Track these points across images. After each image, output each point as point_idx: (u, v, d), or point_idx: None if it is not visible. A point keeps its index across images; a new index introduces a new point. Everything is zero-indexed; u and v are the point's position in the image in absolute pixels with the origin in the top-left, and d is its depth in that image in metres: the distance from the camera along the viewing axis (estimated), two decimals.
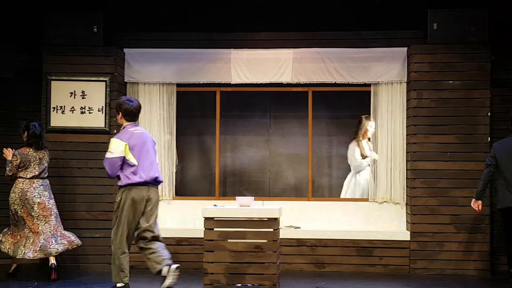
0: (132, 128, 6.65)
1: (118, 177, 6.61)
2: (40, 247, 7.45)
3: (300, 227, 8.35)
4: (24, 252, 7.46)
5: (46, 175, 7.73)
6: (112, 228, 6.67)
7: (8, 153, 7.64)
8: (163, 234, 8.11)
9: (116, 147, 6.51)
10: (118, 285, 6.57)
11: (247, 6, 8.53)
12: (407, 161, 8.33)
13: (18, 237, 7.62)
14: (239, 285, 6.52)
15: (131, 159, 6.52)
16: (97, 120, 8.30)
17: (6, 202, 7.79)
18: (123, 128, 6.71)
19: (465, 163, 8.01)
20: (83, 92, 8.28)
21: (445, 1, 8.19)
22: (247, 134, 9.00)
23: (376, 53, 8.41)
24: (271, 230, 6.56)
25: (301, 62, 8.48)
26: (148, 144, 6.67)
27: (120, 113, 6.71)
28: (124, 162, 6.53)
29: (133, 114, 6.71)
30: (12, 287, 7.08)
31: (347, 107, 8.85)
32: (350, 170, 8.85)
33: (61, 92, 8.27)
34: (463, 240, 7.99)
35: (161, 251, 6.61)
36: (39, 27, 8.33)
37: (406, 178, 8.33)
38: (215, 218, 6.59)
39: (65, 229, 8.10)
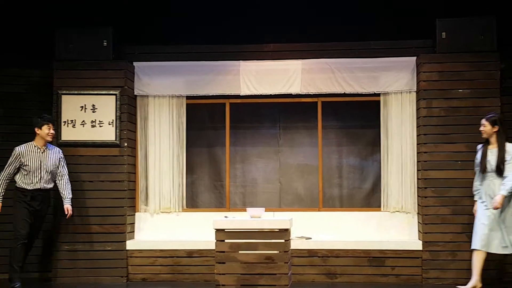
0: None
1: None
2: None
3: (311, 238, 8.21)
4: None
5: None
6: None
7: None
8: (174, 246, 8.21)
9: None
10: None
11: (255, 18, 8.52)
12: (417, 170, 8.22)
13: None
14: None
15: None
16: (108, 134, 8.25)
17: None
18: None
19: None
20: (93, 105, 8.25)
21: (453, 10, 8.15)
22: (257, 145, 8.92)
23: (385, 62, 8.36)
24: (282, 241, 6.59)
25: (310, 72, 8.42)
26: None
27: None
28: None
29: None
30: None
31: (357, 117, 8.74)
32: (358, 180, 8.76)
33: (71, 106, 8.24)
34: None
35: None
36: (50, 42, 8.32)
37: (417, 187, 8.21)
38: (226, 230, 6.62)
39: (77, 242, 8.10)
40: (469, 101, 7.96)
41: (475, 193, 7.35)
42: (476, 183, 7.34)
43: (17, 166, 7.53)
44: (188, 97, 8.63)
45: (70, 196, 7.72)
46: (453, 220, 7.87)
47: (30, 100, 8.59)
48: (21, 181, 7.53)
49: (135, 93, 8.56)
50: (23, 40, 8.47)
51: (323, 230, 8.30)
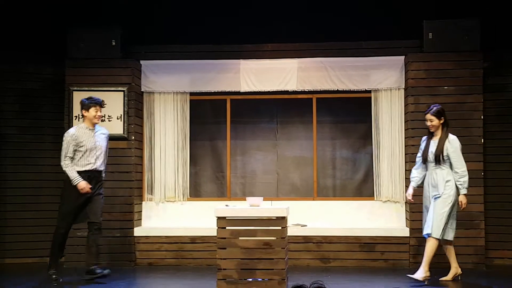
0: None
1: None
2: None
3: (306, 225, 8.36)
4: None
5: None
6: None
7: None
8: (179, 233, 8.29)
9: None
10: None
11: (255, 20, 8.58)
12: (406, 162, 8.34)
13: None
14: (250, 279, 6.53)
15: None
16: (116, 128, 8.33)
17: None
18: None
19: None
20: (102, 101, 8.31)
21: (440, 12, 8.23)
22: (256, 139, 8.99)
23: (375, 61, 8.44)
24: (280, 228, 6.56)
25: (305, 71, 8.52)
26: None
27: None
28: None
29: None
30: (36, 284, 7.16)
31: (349, 113, 8.84)
32: (351, 171, 8.90)
33: None
34: (459, 236, 7.90)
35: None
36: (62, 42, 8.39)
37: (405, 178, 8.31)
38: (227, 218, 6.59)
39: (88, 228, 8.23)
40: (454, 98, 8.01)
41: (412, 179, 7.19)
42: (415, 171, 7.16)
43: (73, 149, 7.11)
44: (191, 94, 8.68)
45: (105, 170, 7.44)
46: None
47: (44, 96, 8.65)
48: (76, 164, 7.13)
49: (142, 90, 8.60)
50: (37, 40, 8.51)
51: (317, 218, 8.43)
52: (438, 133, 7.04)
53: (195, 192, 8.95)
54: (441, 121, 7.02)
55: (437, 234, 6.91)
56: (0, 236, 8.46)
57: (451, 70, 8.10)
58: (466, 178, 6.96)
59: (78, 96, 8.24)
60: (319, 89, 8.56)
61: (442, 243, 7.08)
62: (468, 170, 7.83)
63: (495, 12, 8.26)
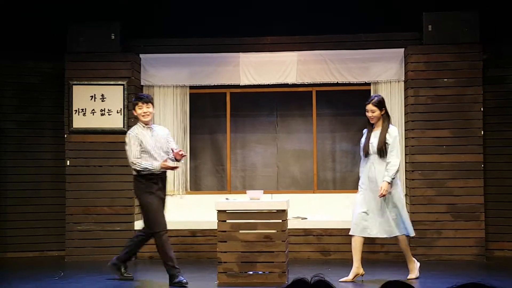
0: None
1: None
2: None
3: (306, 218, 8.36)
4: None
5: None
6: None
7: None
8: (179, 226, 8.24)
9: None
10: None
11: (254, 13, 8.55)
12: (405, 154, 8.33)
13: None
14: (251, 272, 6.55)
15: None
16: (116, 121, 8.32)
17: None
18: None
19: (460, 156, 8.03)
20: (102, 95, 8.32)
21: (439, 4, 8.20)
22: (256, 132, 8.99)
23: (375, 54, 8.42)
24: (280, 221, 6.57)
25: (305, 64, 8.50)
26: None
27: None
28: None
29: None
30: (38, 277, 7.16)
31: (349, 105, 8.82)
32: (350, 164, 8.88)
33: (82, 95, 8.29)
34: (460, 228, 8.02)
35: None
36: (62, 36, 8.37)
37: (405, 170, 8.34)
38: (227, 211, 6.59)
39: (88, 223, 8.25)
40: (453, 90, 8.01)
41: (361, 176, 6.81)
42: (362, 168, 6.81)
43: (139, 148, 6.62)
44: (191, 87, 8.66)
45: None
46: (439, 200, 7.97)
47: (43, 91, 8.61)
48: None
49: (142, 84, 8.58)
50: (36, 35, 8.46)
51: (317, 210, 8.41)
52: (379, 125, 6.66)
53: (195, 185, 8.96)
54: (382, 112, 6.65)
55: (412, 231, 6.77)
56: (1, 231, 8.46)
57: (451, 62, 8.09)
58: (395, 168, 6.51)
59: (78, 90, 8.33)
60: (318, 82, 8.55)
61: (393, 238, 6.81)
62: (468, 162, 7.92)
63: (494, 4, 8.24)
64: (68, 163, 8.31)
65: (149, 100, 6.75)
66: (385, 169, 6.55)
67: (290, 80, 8.53)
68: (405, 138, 8.34)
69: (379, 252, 8.15)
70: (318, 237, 8.20)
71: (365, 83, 8.53)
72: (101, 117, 8.33)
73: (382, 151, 6.56)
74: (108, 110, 8.34)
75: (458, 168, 8.03)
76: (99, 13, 8.46)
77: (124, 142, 8.16)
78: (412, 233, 6.79)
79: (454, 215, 8.02)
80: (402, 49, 8.37)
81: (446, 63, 8.09)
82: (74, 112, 8.30)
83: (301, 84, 8.57)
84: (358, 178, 8.59)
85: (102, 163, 8.33)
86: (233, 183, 8.92)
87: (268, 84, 8.59)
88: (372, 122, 6.68)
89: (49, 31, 8.52)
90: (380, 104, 6.65)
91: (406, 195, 8.33)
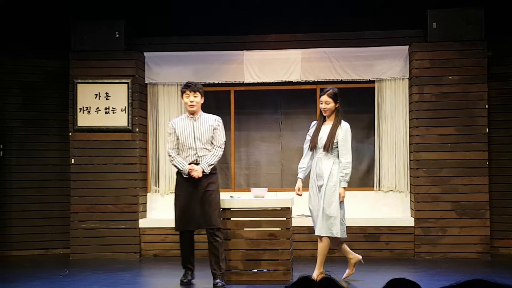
0: None
1: None
2: None
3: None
4: None
5: None
6: None
7: None
8: None
9: None
10: None
11: (258, 11, 8.56)
12: (410, 152, 8.33)
13: None
14: (256, 270, 6.55)
15: None
16: (121, 120, 8.34)
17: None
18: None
19: (465, 153, 8.03)
20: (107, 93, 8.33)
21: (444, 2, 8.19)
22: (260, 130, 8.98)
23: (379, 51, 8.41)
24: (284, 219, 6.56)
25: (309, 61, 8.49)
26: None
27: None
28: None
29: None
30: (43, 275, 7.16)
31: (353, 103, 8.77)
32: (355, 162, 8.75)
33: (86, 94, 8.31)
34: (464, 225, 8.02)
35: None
36: (66, 34, 8.38)
37: (410, 168, 8.34)
38: (231, 209, 6.59)
39: (93, 221, 8.26)
40: (458, 87, 8.01)
41: (299, 170, 6.54)
42: (303, 161, 6.52)
43: (175, 139, 6.33)
44: None
45: (211, 161, 6.29)
46: (443, 198, 7.97)
47: (47, 89, 8.64)
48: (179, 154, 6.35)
49: (146, 82, 8.60)
50: (40, 33, 8.49)
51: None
52: (331, 118, 6.43)
53: None
54: (336, 106, 6.41)
55: (337, 233, 6.28)
56: (7, 229, 8.48)
57: (456, 60, 8.08)
58: (348, 171, 6.30)
59: (82, 88, 8.34)
60: (323, 80, 8.53)
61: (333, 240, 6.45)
62: (472, 160, 7.90)
63: (499, 1, 8.22)
64: (72, 161, 8.33)
65: (197, 89, 6.35)
66: (335, 166, 6.28)
67: (294, 78, 8.52)
68: (410, 136, 8.33)
69: (383, 249, 8.16)
70: None
71: (369, 80, 8.51)
72: (106, 115, 8.34)
73: (328, 146, 6.29)
74: (113, 108, 8.35)
75: (462, 166, 8.02)
76: (104, 12, 8.48)
77: (128, 140, 8.30)
78: (334, 235, 6.30)
79: (459, 212, 8.01)
80: (407, 47, 8.37)
81: (450, 61, 8.08)
82: (78, 110, 8.33)
83: (305, 81, 8.57)
84: (363, 176, 8.81)
85: (107, 161, 8.35)
86: (237, 181, 8.93)
87: (272, 82, 8.59)
88: (325, 114, 6.42)
89: (54, 29, 8.54)
90: (335, 96, 6.41)
91: (410, 192, 8.33)
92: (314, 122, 6.58)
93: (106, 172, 8.33)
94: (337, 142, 6.33)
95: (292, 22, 8.55)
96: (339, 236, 6.31)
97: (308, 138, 6.51)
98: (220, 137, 6.40)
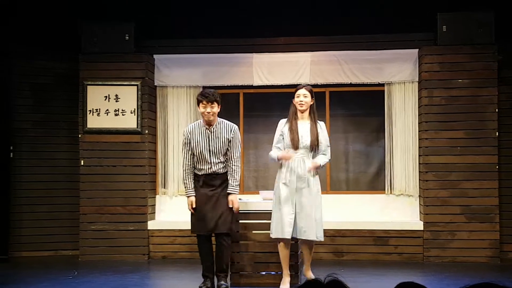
0: None
1: None
2: None
3: None
4: None
5: None
6: None
7: None
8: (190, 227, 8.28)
9: None
10: None
11: (267, 14, 8.54)
12: (419, 155, 8.30)
13: None
14: (264, 273, 6.52)
15: None
16: (130, 122, 8.35)
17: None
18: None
19: (475, 157, 7.98)
20: (116, 95, 8.35)
21: (454, 5, 8.15)
22: (269, 133, 8.70)
23: (389, 54, 8.38)
24: None
25: (318, 64, 8.47)
26: None
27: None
28: None
29: None
30: (52, 276, 7.18)
31: (362, 106, 8.79)
32: (364, 165, 8.84)
33: (96, 96, 8.33)
34: (474, 229, 7.97)
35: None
36: (76, 36, 8.41)
37: (419, 171, 8.31)
38: (240, 211, 6.51)
39: (102, 222, 8.27)
40: (468, 91, 7.96)
41: (277, 150, 6.25)
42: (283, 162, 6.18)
43: (189, 148, 6.21)
44: (204, 88, 8.41)
45: (235, 183, 6.19)
46: (452, 202, 7.93)
47: (57, 91, 8.66)
48: (194, 165, 6.26)
49: (155, 84, 8.60)
50: (51, 35, 8.50)
51: (330, 211, 8.27)
52: (305, 117, 6.18)
53: None
54: (312, 102, 6.20)
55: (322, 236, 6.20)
56: (16, 230, 8.50)
57: (465, 63, 8.05)
58: (327, 161, 6.20)
59: (92, 90, 8.37)
60: (332, 83, 8.51)
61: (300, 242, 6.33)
62: (482, 163, 7.88)
63: (509, 4, 8.16)
64: (82, 163, 8.35)
65: (214, 99, 6.12)
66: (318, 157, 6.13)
67: (303, 81, 8.42)
68: (419, 139, 8.31)
69: (392, 253, 8.13)
70: (331, 238, 8.16)
71: (379, 84, 8.49)
72: (115, 117, 8.36)
73: (316, 146, 6.10)
74: (122, 110, 8.36)
75: (472, 169, 7.98)
76: (113, 14, 8.49)
77: (137, 142, 8.32)
78: (321, 240, 6.25)
79: (468, 216, 7.97)
80: (416, 50, 8.33)
81: (460, 64, 8.05)
82: (88, 112, 8.35)
83: (314, 84, 8.41)
84: (372, 179, 8.80)
85: (116, 163, 8.36)
86: (246, 184, 8.90)
87: (281, 85, 8.55)
88: (301, 108, 6.13)
89: (64, 31, 8.56)
90: (312, 92, 6.22)
91: (419, 196, 8.29)
92: (283, 120, 6.29)
93: (115, 174, 8.34)
94: (320, 141, 6.15)
95: (301, 25, 8.52)
96: (322, 240, 6.27)
97: (281, 138, 6.21)
98: (234, 152, 6.25)
